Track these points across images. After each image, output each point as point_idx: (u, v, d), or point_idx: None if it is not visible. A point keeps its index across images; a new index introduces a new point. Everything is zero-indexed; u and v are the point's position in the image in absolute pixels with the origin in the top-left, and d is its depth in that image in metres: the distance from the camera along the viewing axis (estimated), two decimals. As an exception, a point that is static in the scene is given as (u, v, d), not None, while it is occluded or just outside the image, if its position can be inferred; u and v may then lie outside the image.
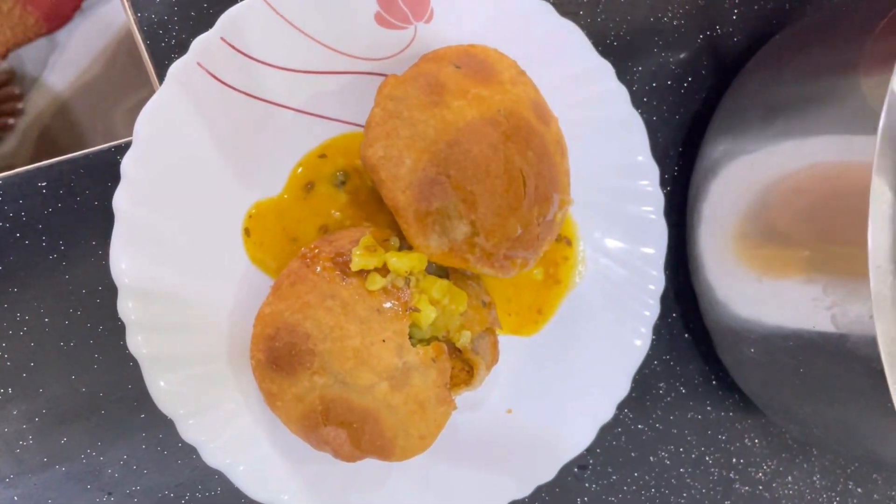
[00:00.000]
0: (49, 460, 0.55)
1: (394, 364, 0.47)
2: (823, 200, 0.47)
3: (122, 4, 0.52)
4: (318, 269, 0.48)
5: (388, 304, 0.48)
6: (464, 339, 0.50)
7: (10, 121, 0.51)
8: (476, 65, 0.51)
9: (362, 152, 0.48)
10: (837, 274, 0.46)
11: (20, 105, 0.52)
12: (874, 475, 0.69)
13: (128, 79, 0.53)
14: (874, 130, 0.43)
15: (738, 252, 0.54)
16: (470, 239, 0.48)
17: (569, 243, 0.58)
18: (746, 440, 0.66)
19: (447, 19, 0.53)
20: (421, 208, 0.47)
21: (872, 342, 0.43)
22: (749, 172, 0.54)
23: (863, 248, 0.43)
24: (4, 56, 0.52)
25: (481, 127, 0.48)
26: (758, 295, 0.53)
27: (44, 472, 0.55)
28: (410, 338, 0.48)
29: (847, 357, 0.46)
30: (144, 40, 0.52)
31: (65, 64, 0.52)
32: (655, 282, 0.58)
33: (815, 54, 0.53)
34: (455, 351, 0.50)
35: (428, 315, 0.48)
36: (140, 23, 0.53)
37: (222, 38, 0.49)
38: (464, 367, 0.51)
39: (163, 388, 0.49)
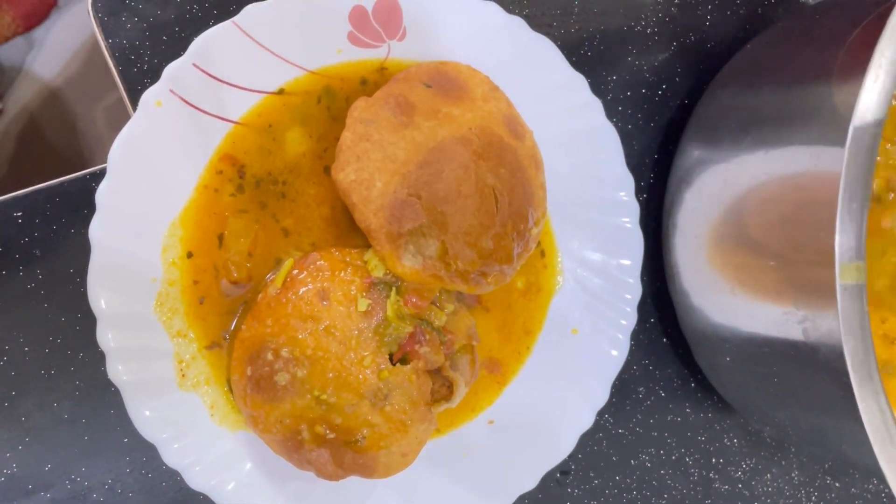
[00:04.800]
0: (34, 487, 0.55)
1: (374, 383, 0.48)
2: (793, 212, 0.47)
3: (95, 30, 0.52)
4: (295, 290, 0.49)
5: (365, 325, 0.48)
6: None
7: None
8: (447, 83, 0.51)
9: (334, 176, 0.49)
10: (808, 287, 0.46)
11: (0, 105, 0.51)
12: (851, 469, 0.70)
13: (106, 75, 0.52)
14: (844, 142, 0.43)
15: (712, 261, 0.55)
16: (443, 257, 0.49)
17: (542, 254, 0.58)
18: (725, 440, 0.67)
19: (420, 37, 0.53)
20: (393, 230, 0.48)
21: (841, 355, 0.44)
22: (722, 182, 0.54)
23: (831, 262, 0.43)
24: (-18, 57, 0.51)
25: (451, 146, 0.49)
26: (731, 304, 0.53)
27: (29, 499, 0.55)
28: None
29: (818, 368, 0.46)
30: (116, 66, 0.52)
31: (43, 62, 0.52)
32: (632, 290, 0.58)
33: (788, 64, 0.53)
34: (434, 370, 0.51)
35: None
36: (112, 48, 0.52)
37: (194, 64, 0.49)
38: (443, 384, 0.51)
39: (144, 415, 0.49)
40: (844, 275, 0.42)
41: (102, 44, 0.52)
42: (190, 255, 0.50)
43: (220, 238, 0.51)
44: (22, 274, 0.54)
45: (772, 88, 0.53)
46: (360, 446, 0.48)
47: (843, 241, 0.42)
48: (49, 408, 0.55)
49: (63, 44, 0.52)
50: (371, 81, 0.53)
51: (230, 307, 0.52)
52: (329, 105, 0.53)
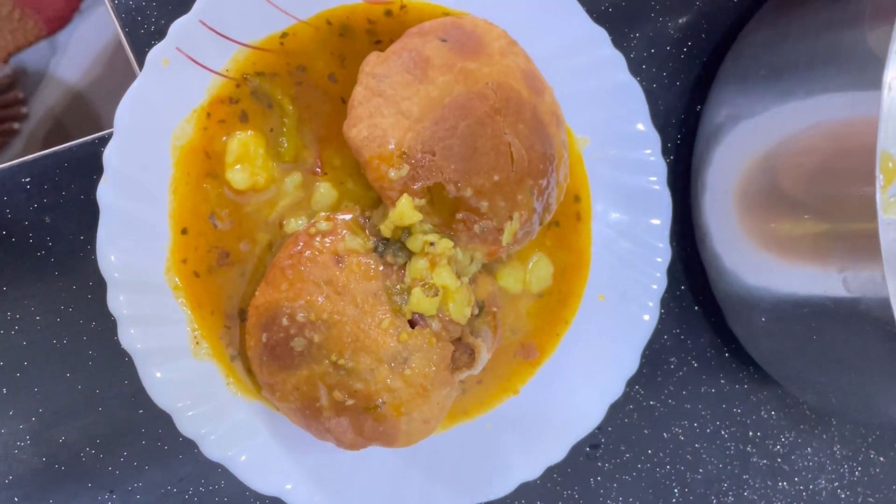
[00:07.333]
0: (48, 460, 0.54)
1: (393, 347, 0.46)
2: (830, 160, 0.45)
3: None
4: (310, 253, 0.47)
5: (383, 287, 0.47)
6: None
7: (16, 125, 0.51)
8: (463, 37, 0.50)
9: (346, 133, 0.47)
10: (847, 235, 0.44)
11: (24, 109, 0.51)
12: (897, 442, 0.67)
13: (130, 75, 0.52)
14: (879, 85, 0.41)
15: (744, 219, 0.53)
16: (459, 216, 0.47)
17: (577, 199, 0.56)
18: (763, 412, 0.64)
19: (434, -8, 0.52)
20: (407, 188, 0.46)
21: (886, 304, 0.42)
22: (753, 136, 0.52)
23: (871, 207, 0.41)
24: (6, 60, 0.51)
25: (468, 102, 0.47)
26: (766, 262, 0.51)
27: (43, 471, 0.55)
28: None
29: (861, 321, 0.44)
30: (123, 27, 0.51)
31: (66, 65, 0.52)
32: (662, 254, 0.56)
33: (818, 9, 0.51)
34: (455, 338, 0.49)
35: (433, 302, 0.47)
36: (118, 10, 0.52)
37: (201, 21, 0.48)
38: (465, 351, 0.50)
39: (158, 382, 0.48)
40: (888, 210, 0.40)
41: (108, 5, 0.51)
42: (184, 231, 0.49)
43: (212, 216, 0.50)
44: (31, 241, 0.53)
45: (801, 37, 0.51)
46: (380, 413, 0.47)
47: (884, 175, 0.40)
48: (62, 378, 0.54)
49: (86, 47, 0.52)
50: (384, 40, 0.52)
51: (240, 273, 0.50)
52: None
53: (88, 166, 0.53)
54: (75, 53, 0.52)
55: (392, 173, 0.46)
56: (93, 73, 0.52)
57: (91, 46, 0.52)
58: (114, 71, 0.52)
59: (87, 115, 0.52)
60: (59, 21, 0.51)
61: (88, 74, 0.52)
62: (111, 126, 0.51)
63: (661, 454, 0.63)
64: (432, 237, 0.47)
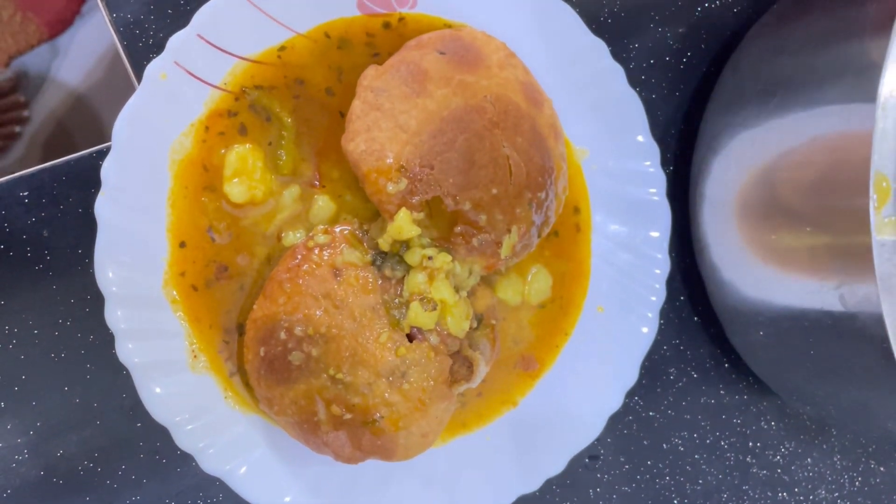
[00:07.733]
0: (46, 474, 0.54)
1: (391, 361, 0.46)
2: (827, 173, 0.45)
3: (99, 5, 0.51)
4: (308, 267, 0.47)
5: (381, 301, 0.47)
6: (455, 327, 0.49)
7: (17, 129, 0.51)
8: (462, 50, 0.50)
9: (344, 146, 0.47)
10: (843, 251, 0.44)
11: (26, 112, 0.51)
12: (896, 452, 0.67)
13: (130, 85, 0.53)
14: (875, 98, 0.41)
15: (742, 231, 0.53)
16: (457, 229, 0.47)
17: (577, 210, 0.56)
18: (762, 423, 0.64)
19: (432, 3, 0.52)
20: (405, 202, 0.46)
21: (882, 321, 0.41)
22: (751, 148, 0.52)
23: (867, 222, 0.41)
24: (7, 64, 0.51)
25: (465, 115, 0.47)
26: (764, 275, 0.51)
27: (41, 485, 0.54)
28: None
29: (857, 337, 0.44)
30: (121, 40, 0.51)
31: (68, 69, 0.52)
32: (661, 265, 0.56)
33: (815, 22, 0.51)
34: (454, 351, 0.49)
35: (431, 317, 0.47)
36: (116, 23, 0.52)
37: (199, 35, 0.48)
38: (463, 364, 0.50)
39: (156, 397, 0.48)
40: (881, 230, 0.40)
41: (106, 18, 0.51)
42: (182, 244, 0.49)
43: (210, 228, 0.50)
44: (30, 255, 0.53)
45: (800, 48, 0.51)
46: (378, 427, 0.47)
47: (877, 195, 0.40)
48: (60, 391, 0.54)
49: (88, 50, 0.52)
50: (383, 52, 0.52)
51: (238, 286, 0.50)
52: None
53: (86, 180, 0.53)
54: (77, 57, 0.52)
55: (390, 187, 0.46)
56: (94, 77, 0.52)
57: (92, 50, 0.52)
58: (115, 75, 0.52)
59: (89, 118, 0.52)
60: (60, 24, 0.51)
61: (90, 78, 0.52)
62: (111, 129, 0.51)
63: (660, 465, 0.63)
64: (430, 251, 0.47)
